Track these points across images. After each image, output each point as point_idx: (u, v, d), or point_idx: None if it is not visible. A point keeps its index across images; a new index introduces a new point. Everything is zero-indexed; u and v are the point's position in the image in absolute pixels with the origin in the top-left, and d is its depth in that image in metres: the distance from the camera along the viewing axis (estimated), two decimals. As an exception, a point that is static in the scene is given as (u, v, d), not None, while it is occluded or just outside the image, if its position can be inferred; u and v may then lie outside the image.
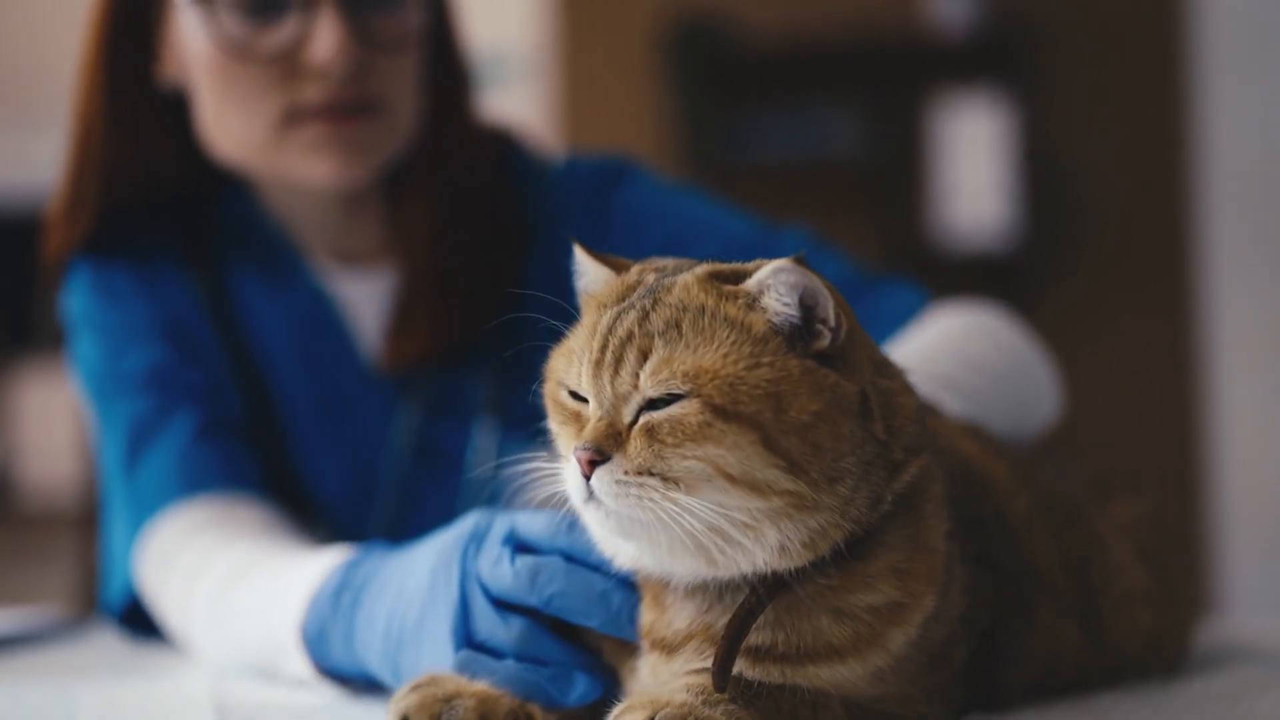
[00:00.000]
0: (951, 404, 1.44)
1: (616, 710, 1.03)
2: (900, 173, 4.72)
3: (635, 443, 1.03)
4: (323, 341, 1.86)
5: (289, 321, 1.87)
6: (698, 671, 1.07)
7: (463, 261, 1.84)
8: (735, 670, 1.06)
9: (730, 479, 1.01)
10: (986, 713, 1.18)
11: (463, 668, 1.15)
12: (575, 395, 1.10)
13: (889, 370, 1.12)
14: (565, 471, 1.08)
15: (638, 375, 1.04)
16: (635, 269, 1.14)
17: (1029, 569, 1.23)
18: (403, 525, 1.80)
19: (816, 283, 1.03)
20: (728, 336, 1.03)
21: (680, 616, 1.10)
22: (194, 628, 1.60)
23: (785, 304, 1.04)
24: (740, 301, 1.05)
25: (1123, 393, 4.59)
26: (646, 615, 1.13)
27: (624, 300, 1.09)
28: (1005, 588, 1.19)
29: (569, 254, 1.17)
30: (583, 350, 1.08)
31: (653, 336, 1.04)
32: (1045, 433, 1.71)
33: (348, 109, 1.71)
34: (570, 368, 1.09)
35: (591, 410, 1.07)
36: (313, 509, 1.82)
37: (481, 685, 1.12)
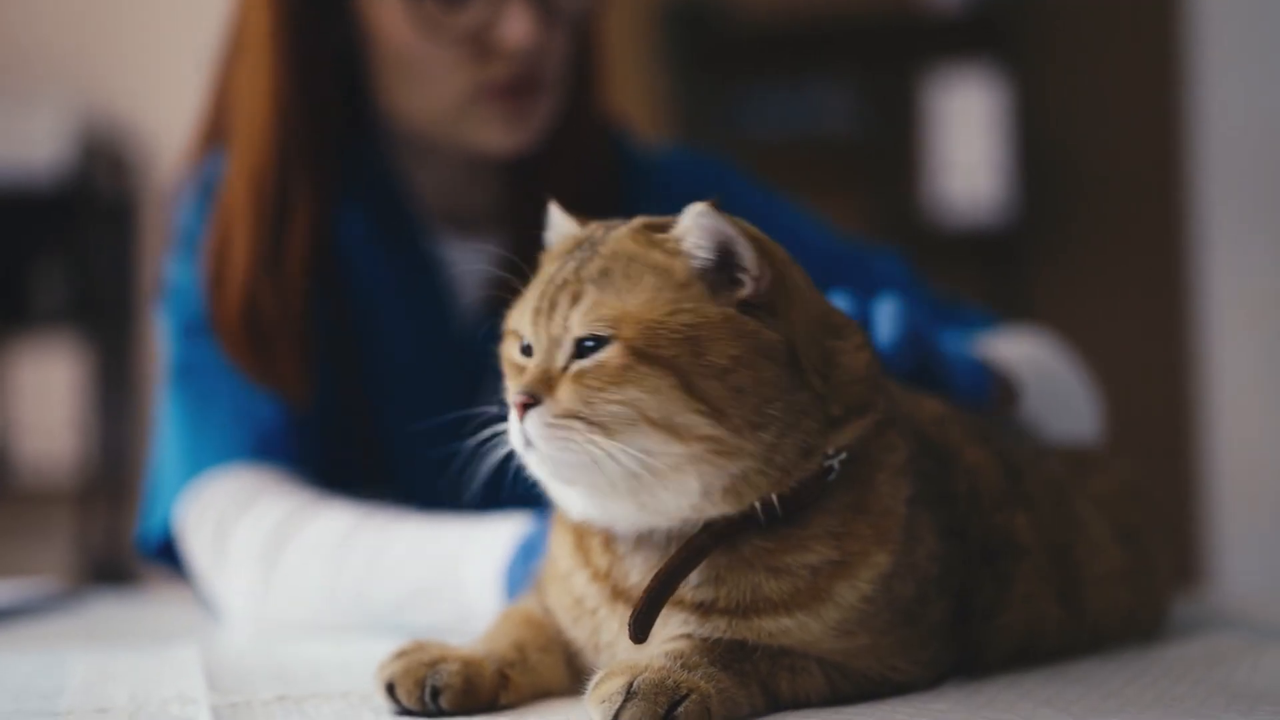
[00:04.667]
0: (1026, 377, 1.59)
1: (596, 678, 1.04)
2: (895, 148, 4.71)
3: (564, 387, 1.07)
4: (424, 299, 1.90)
5: (395, 276, 1.90)
6: (675, 638, 1.09)
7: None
8: (692, 629, 1.09)
9: (651, 423, 1.04)
10: (966, 677, 1.19)
11: None
12: (525, 351, 1.14)
13: (843, 332, 1.15)
14: (510, 422, 1.12)
15: (568, 318, 1.08)
16: (592, 225, 1.18)
17: (1008, 543, 1.25)
18: (482, 489, 1.83)
19: (731, 230, 1.07)
20: (652, 282, 1.08)
21: (634, 570, 1.12)
22: (288, 566, 1.65)
23: (701, 248, 1.08)
24: (667, 248, 1.09)
25: (1117, 367, 4.57)
26: (601, 559, 1.15)
27: (572, 252, 1.13)
28: (976, 557, 1.21)
29: None
30: (529, 300, 1.14)
31: (584, 282, 1.09)
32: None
33: (529, 86, 1.79)
34: (522, 318, 1.14)
35: (533, 357, 1.11)
36: (388, 462, 1.85)
37: (465, 651, 1.14)
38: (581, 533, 1.18)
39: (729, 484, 1.06)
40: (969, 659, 1.21)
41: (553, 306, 1.10)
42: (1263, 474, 4.47)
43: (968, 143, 4.57)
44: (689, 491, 1.06)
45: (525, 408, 1.08)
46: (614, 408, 1.05)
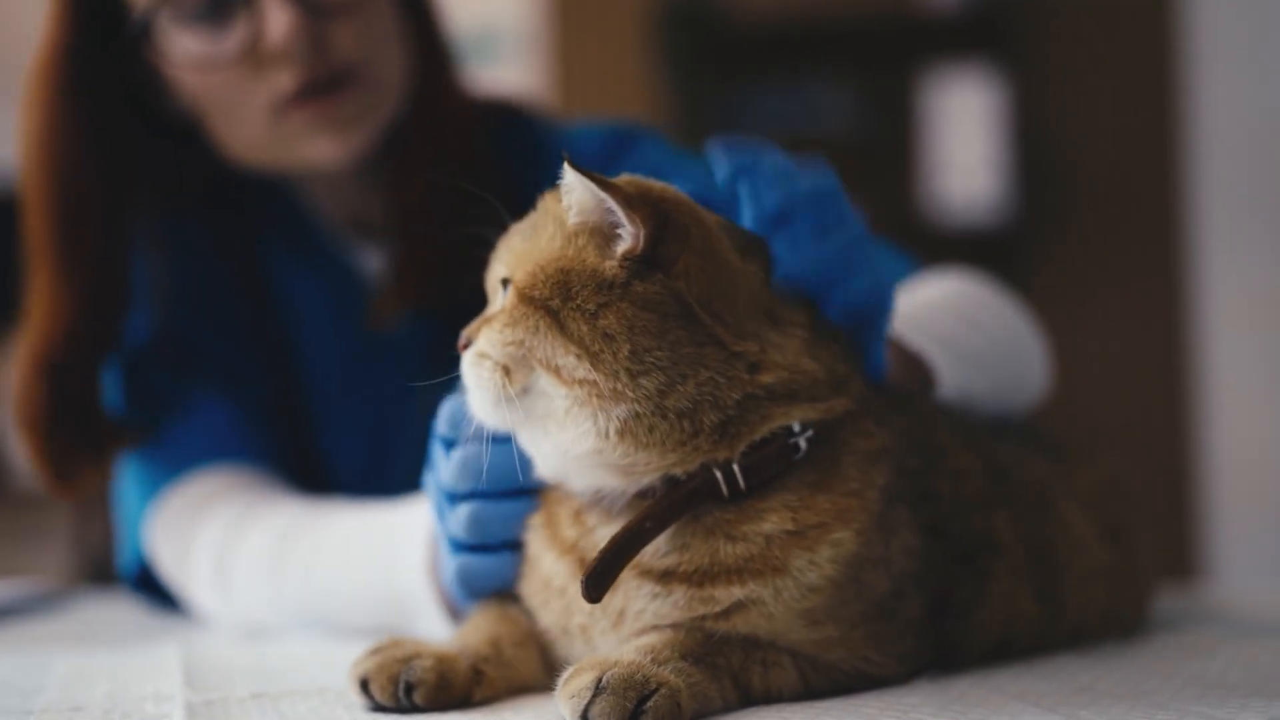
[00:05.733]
0: (950, 364, 1.41)
1: (566, 674, 1.04)
2: (893, 148, 4.70)
3: (482, 330, 1.13)
4: (347, 313, 1.88)
5: (316, 293, 1.90)
6: (647, 630, 1.10)
7: (449, 227, 1.84)
8: (658, 598, 1.10)
9: (541, 365, 1.09)
10: (940, 672, 1.19)
11: (463, 573, 1.26)
12: None
13: (786, 323, 1.13)
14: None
15: (497, 267, 1.16)
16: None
17: (987, 541, 1.24)
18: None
19: (587, 187, 1.09)
20: (550, 232, 1.12)
21: (604, 541, 1.12)
22: (236, 579, 1.64)
23: (568, 205, 1.12)
24: (564, 204, 1.12)
25: (1115, 366, 4.59)
26: (569, 530, 1.17)
27: None
28: (956, 555, 1.21)
29: None
30: None
31: (513, 234, 1.16)
32: (1034, 407, 1.68)
33: (325, 86, 1.70)
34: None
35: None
36: (330, 479, 1.84)
37: (440, 647, 1.14)
38: (551, 511, 1.19)
39: (620, 426, 1.07)
40: (945, 656, 1.21)
41: (496, 257, 1.17)
42: (1260, 472, 4.47)
43: (966, 142, 4.57)
44: (586, 433, 1.08)
45: (465, 350, 1.14)
46: (510, 348, 1.10)
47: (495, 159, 1.91)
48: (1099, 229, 4.69)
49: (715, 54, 4.74)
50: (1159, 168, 4.69)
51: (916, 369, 1.38)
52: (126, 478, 1.83)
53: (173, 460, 1.76)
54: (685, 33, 4.69)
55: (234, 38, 1.67)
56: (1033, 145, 4.63)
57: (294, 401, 1.88)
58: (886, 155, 4.71)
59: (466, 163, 1.86)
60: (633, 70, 4.80)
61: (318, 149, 1.74)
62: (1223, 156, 4.57)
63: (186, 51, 1.69)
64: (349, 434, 1.88)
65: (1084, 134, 4.70)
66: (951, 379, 1.40)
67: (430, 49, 1.86)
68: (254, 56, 1.68)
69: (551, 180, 1.84)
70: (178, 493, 1.74)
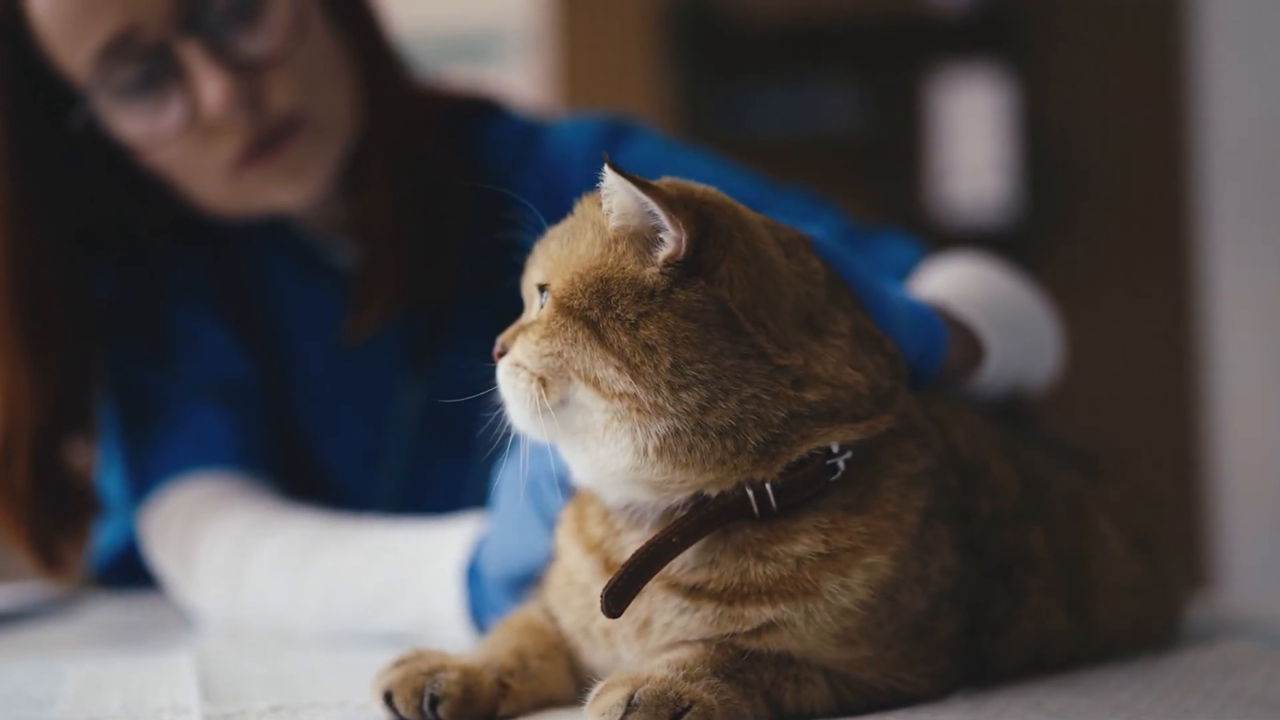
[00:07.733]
0: (993, 332, 1.40)
1: (596, 689, 1.03)
2: (899, 148, 4.70)
3: (518, 339, 1.09)
4: (331, 309, 1.88)
5: (305, 296, 1.89)
6: (676, 644, 1.08)
7: (414, 235, 1.85)
8: (686, 614, 1.07)
9: (579, 376, 1.05)
10: (975, 687, 1.17)
11: None
12: None
13: (827, 332, 1.10)
14: None
15: (533, 273, 1.12)
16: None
17: (1022, 556, 1.22)
18: (411, 496, 1.83)
19: (628, 189, 1.05)
20: (588, 238, 1.09)
21: (630, 547, 1.10)
22: (253, 569, 1.64)
23: (608, 209, 1.08)
24: (604, 208, 1.09)
25: (1123, 366, 4.58)
26: (596, 529, 1.14)
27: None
28: (991, 571, 1.18)
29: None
30: None
31: (550, 239, 1.12)
32: (1048, 388, 1.67)
33: (271, 139, 1.70)
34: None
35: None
36: (320, 478, 1.84)
37: (465, 659, 1.12)
38: (582, 508, 1.17)
39: (659, 444, 1.04)
40: (977, 670, 1.19)
41: (533, 263, 1.13)
42: (1268, 474, 4.46)
43: (973, 143, 4.56)
44: (624, 449, 1.05)
45: (500, 359, 1.11)
46: (547, 359, 1.06)
47: (474, 157, 1.90)
48: (1106, 230, 4.68)
49: (721, 53, 4.74)
50: (1166, 168, 4.68)
51: (968, 339, 1.37)
52: (111, 471, 1.83)
53: (169, 461, 1.76)
54: (691, 32, 4.68)
55: (173, 112, 1.66)
56: (1039, 146, 4.63)
57: (285, 398, 1.88)
58: (892, 155, 4.71)
59: (428, 166, 1.87)
60: (638, 69, 4.79)
61: (279, 197, 1.75)
62: (1230, 157, 4.56)
63: (131, 131, 1.69)
64: (340, 428, 1.88)
65: (1091, 134, 4.70)
66: (998, 348, 1.39)
67: (374, 60, 1.84)
68: (196, 127, 1.66)
69: (543, 177, 1.85)
70: (177, 492, 1.74)
